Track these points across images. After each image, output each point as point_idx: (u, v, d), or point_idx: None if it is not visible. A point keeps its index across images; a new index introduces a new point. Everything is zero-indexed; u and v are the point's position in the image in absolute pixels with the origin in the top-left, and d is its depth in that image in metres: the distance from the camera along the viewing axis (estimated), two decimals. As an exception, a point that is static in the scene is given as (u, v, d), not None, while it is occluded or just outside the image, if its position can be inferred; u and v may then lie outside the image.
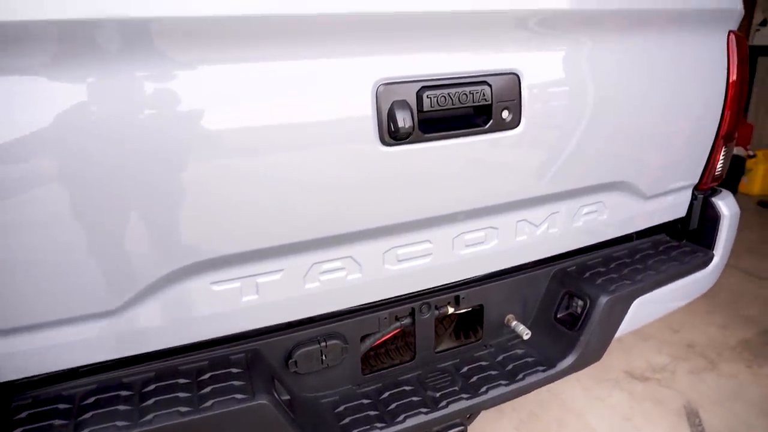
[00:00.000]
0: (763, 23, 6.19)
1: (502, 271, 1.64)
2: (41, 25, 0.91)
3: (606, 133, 1.54)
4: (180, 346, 1.30)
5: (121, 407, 1.19)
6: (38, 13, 0.90)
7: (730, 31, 1.67)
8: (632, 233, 1.89)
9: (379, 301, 1.48)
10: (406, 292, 1.49)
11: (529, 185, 1.47)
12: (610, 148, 1.58)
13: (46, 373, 1.20)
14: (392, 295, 1.48)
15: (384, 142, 1.22)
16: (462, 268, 1.54)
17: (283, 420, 1.26)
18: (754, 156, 5.64)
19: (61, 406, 1.20)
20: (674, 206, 1.86)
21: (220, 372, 1.30)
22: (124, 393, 1.23)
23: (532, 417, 2.75)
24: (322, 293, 1.35)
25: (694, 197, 1.87)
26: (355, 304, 1.44)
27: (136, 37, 0.98)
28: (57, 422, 1.15)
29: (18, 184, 0.98)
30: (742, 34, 1.69)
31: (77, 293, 1.11)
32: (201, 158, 1.10)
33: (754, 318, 3.56)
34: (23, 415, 1.16)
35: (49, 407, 1.19)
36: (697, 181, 1.84)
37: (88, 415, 1.16)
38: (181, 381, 1.27)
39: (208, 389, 1.24)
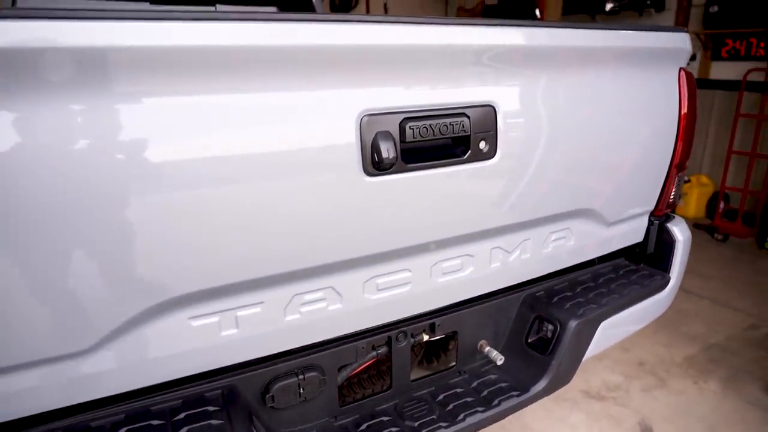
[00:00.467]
0: (692, 58, 6.68)
1: (475, 297, 1.66)
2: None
3: (573, 163, 1.60)
4: (155, 384, 1.23)
5: (91, 454, 1.11)
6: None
7: (680, 68, 1.79)
8: (594, 258, 1.96)
9: (357, 330, 1.46)
10: (385, 322, 1.49)
11: (504, 213, 1.51)
12: (577, 177, 1.64)
13: (6, 421, 1.11)
14: (371, 325, 1.47)
15: (367, 173, 1.22)
16: (439, 296, 1.55)
17: (263, 459, 1.22)
18: (688, 181, 6.01)
19: (23, 455, 1.11)
20: (633, 232, 1.95)
21: (195, 411, 1.25)
22: (91, 438, 1.16)
23: (495, 440, 2.77)
24: (303, 325, 1.32)
25: (650, 223, 1.97)
26: (335, 335, 1.42)
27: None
28: (21, 474, 1.06)
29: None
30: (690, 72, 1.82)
31: (45, 334, 1.04)
32: (178, 190, 1.06)
33: (695, 335, 3.75)
34: (-21, 466, 1.07)
35: (9, 457, 1.10)
36: (653, 207, 1.94)
37: (52, 464, 1.08)
38: (155, 423, 1.21)
39: (184, 430, 1.18)
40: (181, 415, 1.23)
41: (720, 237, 5.49)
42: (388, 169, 1.23)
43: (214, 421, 1.21)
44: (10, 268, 0.97)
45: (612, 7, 6.24)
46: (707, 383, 3.22)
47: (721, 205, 5.67)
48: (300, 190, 1.18)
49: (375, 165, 1.22)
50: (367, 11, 7.86)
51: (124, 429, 1.18)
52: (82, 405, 1.19)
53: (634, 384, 3.23)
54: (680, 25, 5.75)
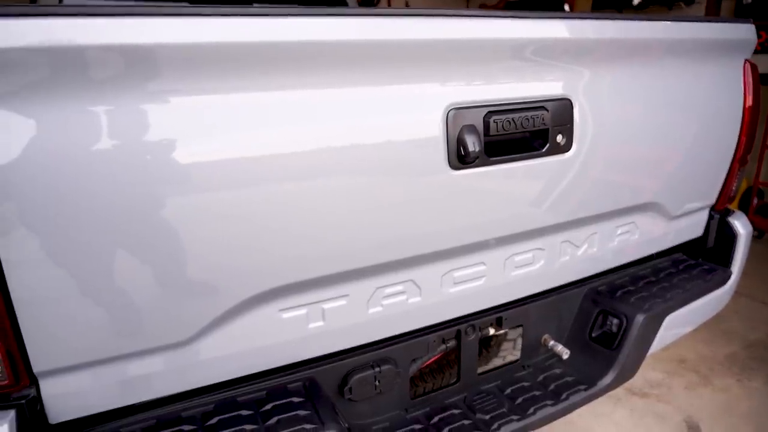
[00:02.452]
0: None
1: (540, 291, 1.66)
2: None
3: (642, 156, 1.60)
4: (239, 377, 1.25)
5: (188, 443, 1.13)
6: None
7: (745, 60, 1.77)
8: (653, 253, 1.95)
9: (431, 324, 1.47)
10: (457, 315, 1.49)
11: (576, 207, 1.51)
12: (645, 171, 1.64)
13: (106, 411, 1.13)
14: (444, 318, 1.48)
15: (453, 166, 1.23)
16: (509, 290, 1.55)
17: (350, 450, 1.23)
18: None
19: (121, 444, 1.13)
20: (693, 226, 1.93)
21: (281, 402, 1.26)
22: (186, 428, 1.18)
23: (539, 436, 2.77)
24: (383, 317, 1.34)
25: (711, 217, 1.95)
26: (411, 328, 1.43)
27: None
28: (121, 463, 1.08)
29: (87, 214, 0.94)
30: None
31: (148, 326, 1.07)
32: (275, 184, 1.08)
33: (735, 332, 3.71)
34: (84, 455, 1.09)
35: (109, 446, 1.12)
36: (714, 201, 1.92)
37: (154, 453, 1.10)
38: (244, 413, 1.22)
39: (273, 420, 1.20)
40: (268, 406, 1.25)
41: (755, 233, 5.41)
42: (473, 162, 1.24)
43: (301, 412, 1.23)
44: (117, 263, 0.99)
45: (640, 1, 6.17)
46: (751, 381, 3.18)
47: (755, 200, 5.59)
48: (387, 184, 1.19)
49: (460, 158, 1.23)
50: (389, 6, 7.86)
51: (216, 418, 1.20)
52: (172, 396, 1.21)
53: (676, 381, 3.20)
54: (712, 19, 5.66)
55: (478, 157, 1.24)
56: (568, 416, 2.88)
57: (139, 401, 1.15)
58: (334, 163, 1.13)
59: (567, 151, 1.40)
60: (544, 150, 1.35)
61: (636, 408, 2.97)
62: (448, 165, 1.22)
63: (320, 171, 1.12)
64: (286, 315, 1.21)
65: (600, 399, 3.04)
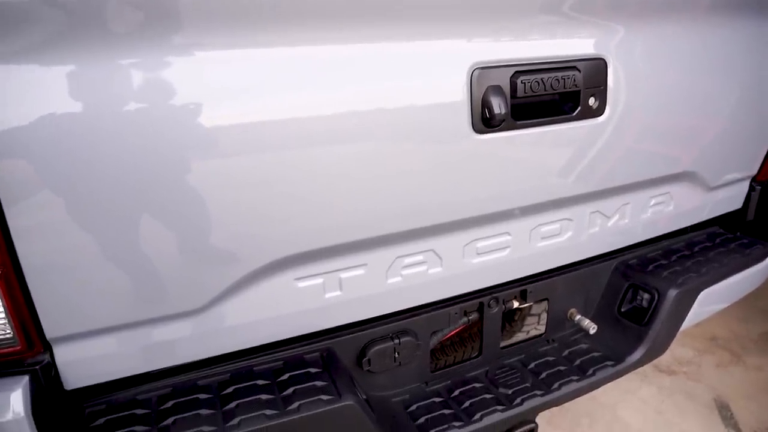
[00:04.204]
0: None
1: (568, 264, 1.60)
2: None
3: (680, 122, 1.50)
4: (255, 346, 1.23)
5: (203, 411, 1.12)
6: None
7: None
8: (688, 226, 1.85)
9: (452, 296, 1.43)
10: (479, 287, 1.44)
11: (607, 175, 1.43)
12: (683, 138, 1.54)
13: (121, 378, 1.12)
14: (466, 290, 1.43)
15: (477, 130, 1.16)
16: (534, 262, 1.49)
17: (368, 421, 1.21)
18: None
19: (138, 411, 1.12)
20: (732, 198, 1.83)
21: (298, 372, 1.24)
22: (202, 396, 1.16)
23: (562, 410, 2.72)
24: (403, 288, 1.29)
25: (751, 188, 1.85)
26: (431, 300, 1.38)
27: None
28: (138, 429, 1.07)
29: (102, 182, 0.91)
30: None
31: (161, 292, 1.04)
32: (291, 150, 1.03)
33: (772, 310, 3.58)
34: (100, 421, 1.09)
35: (125, 413, 1.11)
36: (755, 172, 1.81)
37: (169, 421, 1.09)
38: (260, 382, 1.20)
39: (290, 390, 1.18)
40: (285, 376, 1.22)
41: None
42: (498, 126, 1.17)
43: (318, 383, 1.20)
44: (129, 227, 0.96)
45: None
46: (786, 360, 3.07)
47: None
48: (407, 149, 1.14)
49: (485, 122, 1.16)
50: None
51: (232, 387, 1.18)
52: (188, 365, 1.20)
53: (706, 359, 3.11)
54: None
55: (504, 121, 1.17)
56: (592, 392, 2.83)
57: (154, 369, 1.14)
58: (351, 127, 1.07)
59: (599, 115, 1.31)
60: (574, 114, 1.27)
61: (663, 386, 2.90)
62: (471, 129, 1.16)
63: (336, 135, 1.07)
64: (302, 284, 1.17)
65: (626, 376, 2.99)
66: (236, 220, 1.03)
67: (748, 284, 1.82)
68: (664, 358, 3.10)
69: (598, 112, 1.30)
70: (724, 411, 2.72)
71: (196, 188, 0.98)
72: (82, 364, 1.05)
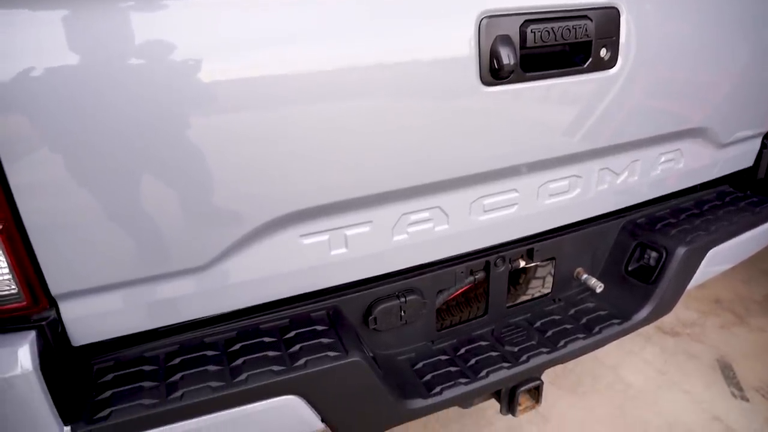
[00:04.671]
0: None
1: (575, 222, 1.58)
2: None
3: (694, 76, 1.46)
4: (260, 304, 1.22)
5: (211, 367, 1.12)
6: None
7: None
8: (697, 185, 1.83)
9: (458, 254, 1.41)
10: (486, 245, 1.43)
11: (618, 130, 1.40)
12: (697, 92, 1.50)
13: (127, 335, 1.12)
14: (473, 248, 1.41)
15: (485, 82, 1.13)
16: (542, 220, 1.47)
17: (374, 377, 1.21)
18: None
19: (146, 368, 1.13)
20: (743, 155, 1.80)
21: (304, 330, 1.24)
22: (209, 353, 1.16)
23: (565, 371, 2.75)
24: (409, 246, 1.28)
25: (764, 145, 1.81)
26: (438, 258, 1.37)
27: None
28: (146, 384, 1.08)
29: (108, 138, 0.89)
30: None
31: (165, 249, 1.03)
32: (293, 105, 1.00)
33: (776, 272, 3.57)
34: (109, 377, 1.09)
35: (133, 369, 1.12)
36: (768, 129, 1.77)
37: (177, 377, 1.10)
38: (267, 339, 1.21)
39: (297, 347, 1.18)
40: (291, 333, 1.22)
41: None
42: (507, 78, 1.14)
43: (325, 339, 1.20)
44: (132, 183, 0.95)
45: None
46: (790, 321, 3.08)
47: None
48: (412, 102, 1.10)
49: (493, 73, 1.12)
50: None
51: (239, 344, 1.18)
52: (195, 323, 1.19)
53: (710, 321, 3.12)
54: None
55: (513, 72, 1.13)
56: (596, 353, 2.85)
57: (160, 326, 1.14)
58: (354, 80, 1.04)
59: (611, 67, 1.27)
60: (585, 66, 1.23)
61: (667, 347, 2.92)
62: (479, 80, 1.12)
63: (340, 89, 1.03)
64: (307, 241, 1.16)
65: (630, 337, 3.00)
66: (239, 175, 1.02)
67: (757, 243, 1.81)
68: (668, 320, 3.11)
69: (610, 63, 1.26)
70: (727, 371, 2.74)
71: (198, 143, 0.96)
72: (88, 320, 1.04)
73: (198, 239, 1.04)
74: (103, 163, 0.91)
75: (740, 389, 2.61)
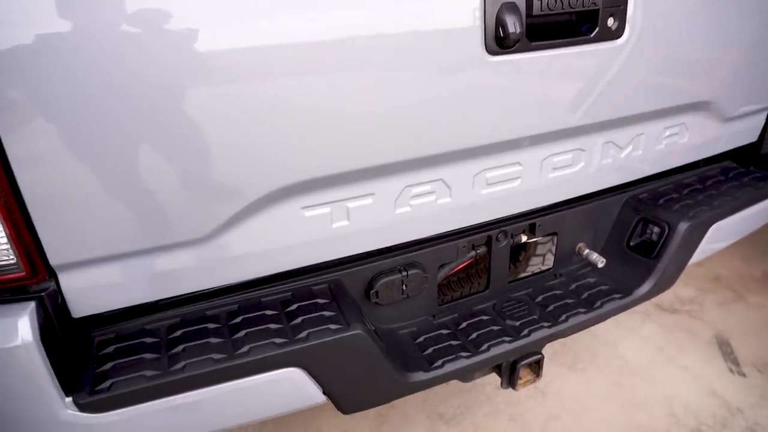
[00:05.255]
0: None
1: (577, 197, 1.57)
2: None
3: (702, 48, 1.43)
4: (262, 277, 1.22)
5: (213, 340, 1.12)
6: None
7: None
8: (700, 160, 1.81)
9: (460, 228, 1.40)
10: (488, 219, 1.42)
11: (624, 102, 1.38)
12: (704, 64, 1.48)
13: (127, 307, 1.12)
14: (475, 222, 1.40)
15: (490, 51, 1.10)
16: (545, 194, 1.46)
17: (376, 350, 1.21)
18: None
19: (148, 340, 1.12)
20: (748, 130, 1.78)
21: (306, 303, 1.23)
22: (211, 326, 1.16)
23: (564, 348, 2.77)
24: (411, 219, 1.27)
25: (768, 120, 1.79)
26: (440, 231, 1.36)
27: None
28: (148, 356, 1.08)
29: (105, 107, 0.87)
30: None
31: (165, 220, 1.02)
32: (292, 73, 0.98)
33: (775, 250, 3.57)
34: (110, 350, 1.09)
35: (135, 342, 1.12)
36: (773, 102, 1.75)
37: (179, 349, 1.09)
38: (269, 312, 1.20)
39: (299, 320, 1.18)
40: (293, 306, 1.22)
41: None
42: (512, 47, 1.11)
43: (326, 312, 1.20)
44: (130, 153, 0.93)
45: None
46: (788, 298, 3.09)
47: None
48: (416, 71, 1.08)
49: (498, 41, 1.10)
50: None
51: (240, 317, 1.18)
52: (196, 295, 1.19)
53: (709, 298, 3.13)
54: None
55: (518, 41, 1.11)
56: (594, 330, 2.86)
57: (161, 299, 1.13)
58: (357, 48, 1.02)
59: (618, 37, 1.25)
60: (592, 35, 1.21)
61: (665, 324, 2.93)
62: (484, 49, 1.10)
63: (341, 58, 1.01)
64: (308, 213, 1.14)
65: (628, 313, 3.00)
66: (240, 146, 1.00)
67: (760, 218, 1.80)
68: (667, 298, 3.12)
69: (617, 33, 1.24)
70: (725, 347, 2.75)
71: (198, 112, 0.94)
72: (88, 292, 1.04)
73: (198, 211, 1.03)
74: (100, 132, 0.89)
75: (737, 365, 2.63)
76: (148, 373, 1.03)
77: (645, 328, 2.90)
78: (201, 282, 1.14)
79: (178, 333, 1.14)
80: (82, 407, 0.99)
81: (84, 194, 0.93)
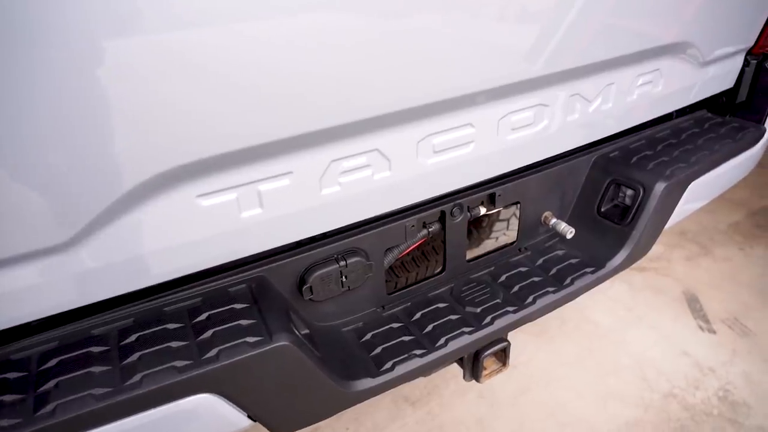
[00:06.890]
0: None
1: (541, 161, 1.36)
2: None
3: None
4: (164, 282, 0.98)
5: (96, 369, 0.88)
6: None
7: None
8: (672, 112, 1.62)
9: (406, 206, 1.18)
10: (439, 193, 1.20)
11: (592, 47, 1.16)
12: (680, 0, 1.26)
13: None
14: (423, 198, 1.18)
15: (426, -18, 0.86)
16: (504, 159, 1.25)
17: (308, 361, 0.99)
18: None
19: (11, 375, 0.87)
20: (724, 75, 1.60)
21: (220, 310, 1.00)
22: (96, 350, 0.92)
23: (531, 315, 2.63)
24: (343, 200, 1.04)
25: (746, 63, 1.61)
26: (381, 212, 1.14)
27: None
28: (7, 398, 0.83)
29: None
30: None
31: (11, 225, 0.76)
32: (162, 31, 0.72)
33: (740, 201, 3.51)
34: (-45, 392, 0.84)
35: (-8, 379, 0.87)
36: (752, 44, 1.56)
37: (50, 384, 0.85)
38: (171, 326, 0.97)
39: (208, 334, 0.95)
40: (203, 316, 0.99)
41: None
42: (454, -24, 0.87)
43: (244, 321, 0.97)
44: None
45: None
46: (753, 249, 3.03)
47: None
48: (337, 14, 0.83)
49: (437, -30, 0.85)
50: None
51: (134, 336, 0.94)
52: (81, 310, 0.94)
53: (676, 253, 3.04)
54: None
55: (462, -29, 0.86)
56: (563, 295, 2.72)
57: (26, 320, 0.88)
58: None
59: (583, -36, 1.02)
60: (553, -38, 0.97)
61: (634, 283, 2.83)
62: (419, -19, 0.85)
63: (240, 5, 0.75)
64: (206, 202, 0.90)
65: (596, 275, 2.88)
66: (99, 120, 0.74)
67: (739, 171, 1.64)
68: (634, 255, 3.01)
69: (582, -41, 1.01)
70: (694, 303, 2.67)
71: (41, 70, 0.67)
72: None
73: (53, 210, 0.77)
74: None
75: (707, 321, 2.56)
76: (4, 422, 0.79)
77: (614, 289, 2.80)
78: (77, 297, 0.89)
79: (53, 362, 0.90)
80: None
81: None
